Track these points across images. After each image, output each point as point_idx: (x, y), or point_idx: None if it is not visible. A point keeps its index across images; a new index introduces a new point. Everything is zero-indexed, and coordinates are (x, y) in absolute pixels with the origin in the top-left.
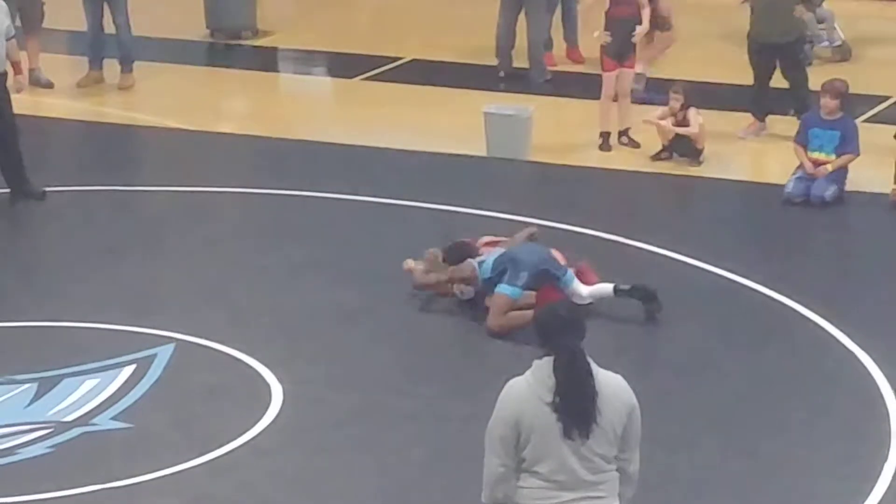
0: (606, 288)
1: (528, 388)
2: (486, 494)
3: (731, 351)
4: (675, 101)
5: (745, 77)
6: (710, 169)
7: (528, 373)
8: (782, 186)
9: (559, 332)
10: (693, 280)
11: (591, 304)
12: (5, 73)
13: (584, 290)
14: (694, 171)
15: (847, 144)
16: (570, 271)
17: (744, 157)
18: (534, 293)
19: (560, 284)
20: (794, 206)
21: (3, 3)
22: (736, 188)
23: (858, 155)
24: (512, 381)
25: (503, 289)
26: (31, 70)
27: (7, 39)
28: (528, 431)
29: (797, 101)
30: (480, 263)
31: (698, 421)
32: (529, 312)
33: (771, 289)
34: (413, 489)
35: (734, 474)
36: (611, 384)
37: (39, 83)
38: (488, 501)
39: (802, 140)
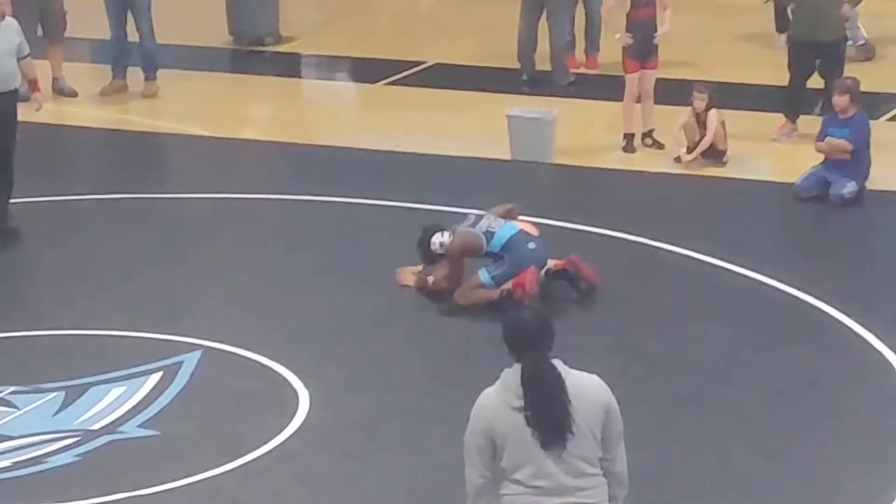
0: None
1: (498, 396)
2: None
3: (758, 352)
4: (700, 101)
5: (768, 77)
6: (734, 169)
7: (497, 382)
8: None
9: (525, 343)
10: (719, 281)
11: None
12: (15, 91)
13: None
14: (718, 171)
15: (852, 136)
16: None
17: (768, 158)
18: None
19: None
20: (818, 206)
21: (14, 21)
22: (761, 189)
23: (855, 145)
24: (483, 393)
25: (483, 275)
26: (54, 79)
27: (21, 58)
28: (502, 440)
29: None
30: (490, 234)
31: (726, 422)
32: (495, 292)
33: (798, 289)
34: (442, 493)
35: (762, 475)
36: (583, 385)
37: (63, 92)
38: None
39: (822, 139)
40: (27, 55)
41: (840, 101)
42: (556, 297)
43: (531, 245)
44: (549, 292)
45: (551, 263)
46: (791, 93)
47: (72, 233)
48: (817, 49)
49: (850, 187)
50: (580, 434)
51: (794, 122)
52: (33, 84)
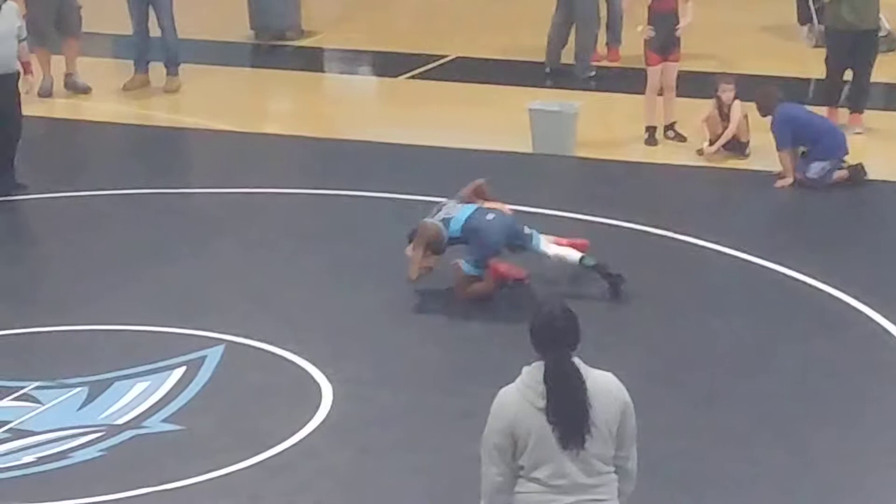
0: (573, 256)
1: (520, 395)
2: None
3: (780, 344)
4: (728, 93)
5: (790, 69)
6: (756, 161)
7: (518, 380)
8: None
9: (551, 340)
10: (742, 274)
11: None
12: (16, 74)
13: (550, 250)
14: (741, 164)
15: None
16: (537, 234)
17: None
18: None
19: (529, 250)
20: (841, 198)
21: (13, 4)
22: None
23: (781, 146)
24: (503, 390)
25: (467, 268)
26: (67, 74)
27: (19, 41)
28: (524, 439)
29: (860, 92)
30: (447, 221)
31: (749, 414)
32: (491, 283)
33: (820, 281)
34: (465, 488)
35: (785, 467)
36: (602, 384)
37: (76, 88)
38: None
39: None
40: (24, 39)
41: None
42: (579, 290)
43: (489, 216)
44: (574, 285)
45: (553, 240)
46: (830, 83)
47: (94, 228)
48: (856, 38)
49: (814, 168)
50: (598, 434)
51: (837, 111)
52: (26, 66)
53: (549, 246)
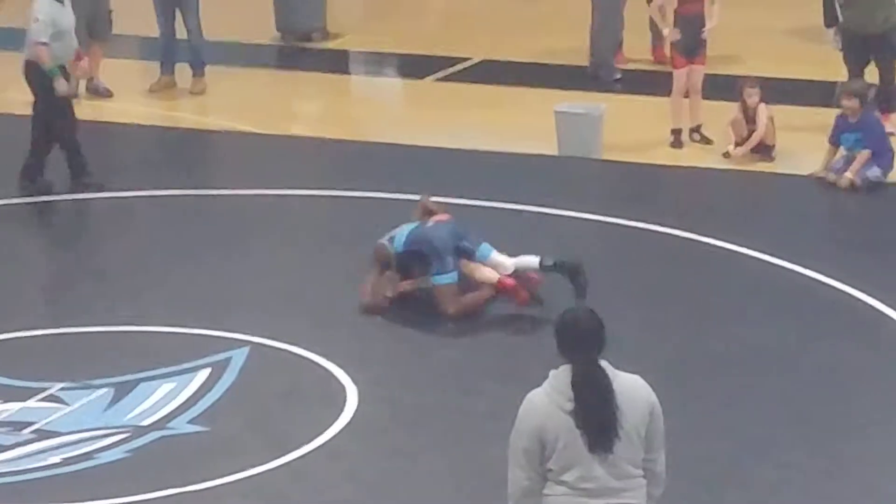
0: (532, 261)
1: (548, 398)
2: None
3: (807, 347)
4: (752, 97)
5: (816, 72)
6: (783, 165)
7: (546, 383)
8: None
9: (576, 344)
10: (768, 277)
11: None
12: (78, 56)
13: (508, 262)
14: (767, 167)
15: (867, 141)
16: (488, 246)
17: (817, 153)
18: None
19: (476, 259)
20: (867, 201)
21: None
22: (810, 184)
23: (872, 148)
24: (531, 394)
25: (441, 280)
26: (89, 80)
27: None
28: (552, 443)
29: (887, 94)
30: (391, 238)
31: (776, 418)
32: (484, 293)
33: (847, 285)
34: (492, 490)
35: (813, 472)
36: (630, 387)
37: (98, 92)
38: None
39: (835, 141)
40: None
41: (849, 104)
42: (605, 293)
43: (429, 224)
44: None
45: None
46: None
47: (120, 229)
48: (871, 40)
49: (874, 171)
50: (627, 437)
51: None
52: (78, 54)
53: (503, 258)
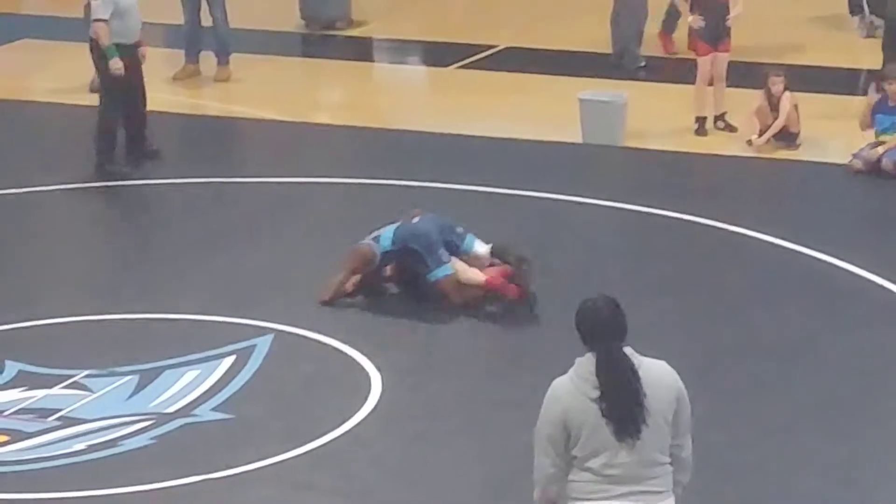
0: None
1: (573, 385)
2: (538, 494)
3: (830, 335)
4: (777, 86)
5: (840, 59)
6: (807, 152)
7: (570, 371)
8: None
9: (597, 332)
10: (792, 264)
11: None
12: (138, 43)
13: (481, 250)
14: (791, 154)
15: None
16: (471, 235)
17: (841, 140)
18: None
19: (461, 252)
20: (892, 188)
21: None
22: (834, 171)
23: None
24: (556, 381)
25: (439, 273)
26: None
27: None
28: (577, 430)
29: None
30: (377, 238)
31: (798, 405)
32: (480, 278)
33: (871, 272)
34: (516, 477)
35: (834, 459)
36: (655, 372)
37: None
38: (540, 501)
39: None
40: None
41: (891, 88)
42: (628, 281)
43: (414, 220)
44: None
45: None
46: None
47: (146, 217)
48: None
49: None
50: (654, 423)
51: None
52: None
53: (479, 246)
